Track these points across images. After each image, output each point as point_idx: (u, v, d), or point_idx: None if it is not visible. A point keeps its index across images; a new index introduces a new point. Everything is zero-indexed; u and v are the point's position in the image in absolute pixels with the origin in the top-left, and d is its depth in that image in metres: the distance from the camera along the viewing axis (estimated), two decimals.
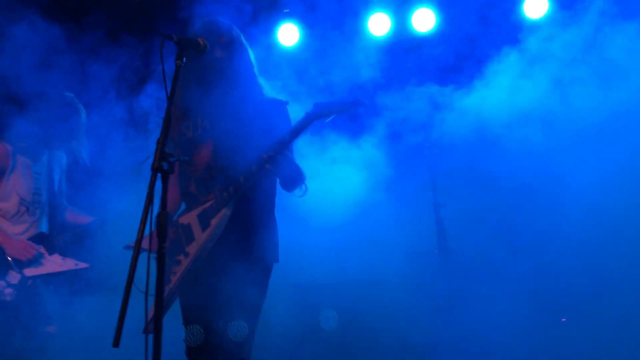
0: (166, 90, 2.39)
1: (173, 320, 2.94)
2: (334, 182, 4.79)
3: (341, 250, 4.98)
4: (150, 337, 2.13)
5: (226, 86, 3.07)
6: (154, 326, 2.13)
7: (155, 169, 2.18)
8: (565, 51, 4.81)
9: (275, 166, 2.90)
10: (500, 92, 4.88)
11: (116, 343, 1.99)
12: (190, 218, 3.02)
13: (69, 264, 4.13)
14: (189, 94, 3.08)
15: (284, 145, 2.92)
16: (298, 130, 2.92)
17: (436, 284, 4.91)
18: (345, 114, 2.96)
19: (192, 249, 2.96)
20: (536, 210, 4.93)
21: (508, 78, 4.89)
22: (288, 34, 5.71)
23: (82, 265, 4.17)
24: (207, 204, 2.98)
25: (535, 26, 5.21)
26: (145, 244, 2.92)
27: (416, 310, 4.90)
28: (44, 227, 4.17)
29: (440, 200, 5.24)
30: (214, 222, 2.94)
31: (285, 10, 5.69)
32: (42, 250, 4.06)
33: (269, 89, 3.22)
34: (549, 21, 5.24)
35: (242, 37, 3.18)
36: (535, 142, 4.80)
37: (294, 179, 3.08)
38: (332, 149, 4.92)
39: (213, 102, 3.07)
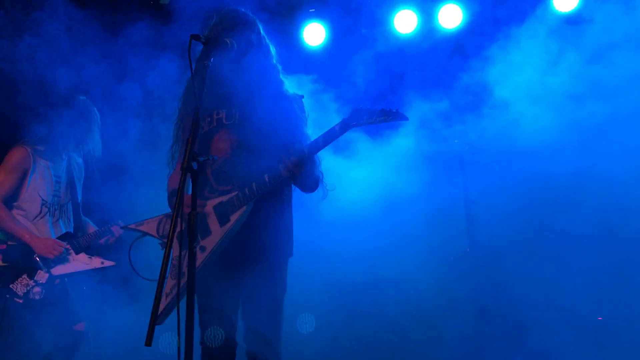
0: (194, 90, 2.41)
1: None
2: (363, 180, 4.77)
3: (371, 249, 4.95)
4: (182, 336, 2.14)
5: (251, 79, 3.03)
6: (185, 324, 2.15)
7: (185, 169, 2.20)
8: (596, 48, 4.72)
9: (302, 172, 2.84)
10: (532, 86, 4.81)
11: (149, 342, 2.00)
12: (206, 209, 2.95)
13: (96, 262, 4.19)
14: (214, 84, 3.01)
15: (317, 149, 2.86)
16: (333, 137, 2.85)
17: (468, 282, 4.86)
18: (382, 124, 2.87)
19: (209, 243, 2.91)
20: (570, 207, 4.84)
21: (539, 73, 4.81)
22: (314, 34, 5.71)
23: (109, 263, 4.22)
24: (226, 197, 2.91)
25: (565, 20, 5.13)
26: (147, 228, 3.07)
27: (448, 310, 4.86)
28: (70, 227, 4.24)
29: (471, 197, 5.19)
30: (233, 218, 2.90)
31: (310, 10, 5.69)
32: (69, 249, 4.12)
33: (288, 84, 3.18)
34: (580, 15, 5.14)
35: (263, 30, 3.15)
36: (569, 139, 4.71)
37: (311, 185, 3.04)
38: (361, 146, 4.90)
39: (237, 93, 3.02)
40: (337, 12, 5.49)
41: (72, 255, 4.12)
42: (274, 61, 3.16)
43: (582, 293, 4.68)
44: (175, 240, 2.87)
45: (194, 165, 2.17)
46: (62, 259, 4.07)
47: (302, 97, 3.16)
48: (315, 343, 4.70)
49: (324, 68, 5.27)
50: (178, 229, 2.77)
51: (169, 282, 2.89)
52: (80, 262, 4.14)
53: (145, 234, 3.13)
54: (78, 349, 4.11)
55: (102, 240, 4.27)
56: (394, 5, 5.57)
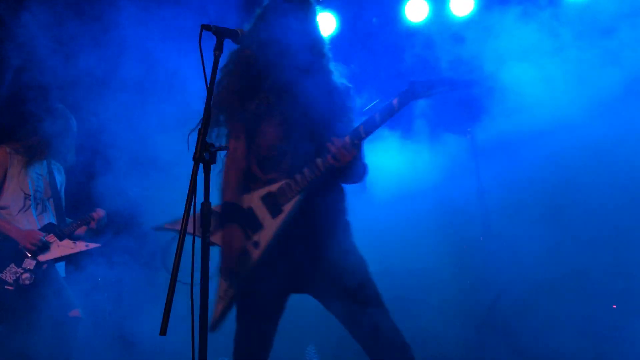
0: (206, 80, 2.40)
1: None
2: (376, 170, 4.75)
3: (383, 238, 4.94)
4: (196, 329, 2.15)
5: (301, 62, 2.85)
6: (200, 320, 2.15)
7: (197, 160, 2.20)
8: (612, 37, 4.66)
9: (357, 155, 2.68)
10: (545, 76, 4.76)
11: (163, 331, 2.01)
12: (252, 201, 2.78)
13: (80, 246, 4.32)
14: (262, 65, 2.90)
15: (373, 128, 2.69)
16: (390, 113, 2.67)
17: (481, 270, 4.84)
18: (447, 93, 2.71)
19: (262, 237, 2.73)
20: (582, 196, 4.81)
21: (553, 63, 4.77)
22: (324, 24, 5.69)
23: (94, 245, 4.36)
24: (274, 186, 2.75)
25: (579, 7, 5.08)
26: (189, 227, 2.90)
27: (461, 298, 4.85)
28: (52, 219, 4.37)
29: (484, 186, 5.17)
30: (286, 208, 2.71)
31: None
32: (52, 237, 4.23)
33: (338, 72, 3.02)
34: (593, 2, 5.09)
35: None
36: (582, 127, 4.67)
37: (358, 174, 2.86)
38: (375, 135, 4.88)
39: (286, 77, 2.86)
40: (348, 2, 5.48)
41: (56, 242, 4.25)
42: (325, 50, 3.00)
43: (597, 282, 4.66)
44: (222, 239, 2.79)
45: (206, 155, 2.17)
46: (43, 248, 4.18)
47: (351, 87, 2.99)
48: (328, 332, 4.70)
49: (335, 57, 5.25)
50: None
51: (222, 285, 2.74)
52: (65, 247, 4.27)
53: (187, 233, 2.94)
54: (75, 335, 4.20)
55: (92, 225, 4.39)
56: None
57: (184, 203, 2.12)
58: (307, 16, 2.94)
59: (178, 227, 2.79)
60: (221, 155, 2.91)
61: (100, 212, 4.43)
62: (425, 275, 4.95)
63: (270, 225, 2.73)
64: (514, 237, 5.02)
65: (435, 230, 4.97)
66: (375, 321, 2.66)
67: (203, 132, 2.25)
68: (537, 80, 4.74)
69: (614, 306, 4.66)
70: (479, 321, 4.81)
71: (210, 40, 2.48)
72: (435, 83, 2.68)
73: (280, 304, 2.81)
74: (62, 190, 4.56)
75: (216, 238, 2.79)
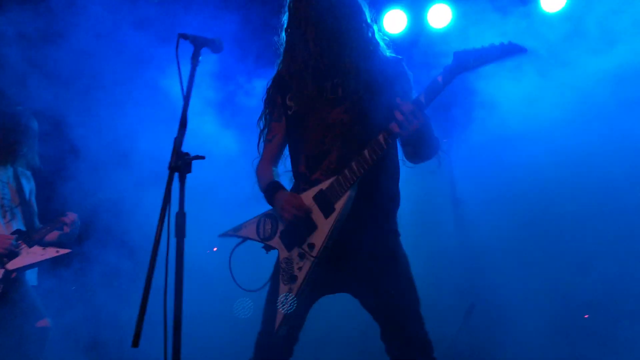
0: (182, 89, 2.38)
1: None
2: None
3: None
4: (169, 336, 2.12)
5: (344, 47, 2.72)
6: (173, 328, 2.11)
7: (172, 168, 2.18)
8: (583, 48, 4.75)
9: (410, 133, 2.48)
10: (518, 87, 4.82)
11: (135, 343, 1.97)
12: (305, 201, 2.68)
13: (50, 252, 4.20)
14: (298, 54, 2.78)
15: (420, 107, 2.51)
16: (437, 89, 2.51)
17: (456, 281, 4.87)
18: (497, 62, 2.47)
19: (317, 239, 2.62)
20: (558, 206, 4.88)
21: (527, 73, 4.83)
22: None
23: (64, 251, 4.24)
24: (325, 184, 2.64)
25: (553, 20, 5.16)
26: (246, 232, 2.84)
27: (436, 308, 4.85)
28: (20, 226, 4.27)
29: (459, 196, 5.20)
30: (338, 205, 2.60)
31: None
32: (22, 244, 4.13)
33: (384, 45, 2.85)
34: (567, 15, 5.18)
35: None
36: (556, 137, 4.74)
37: (432, 145, 2.66)
38: None
39: (335, 63, 2.74)
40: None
41: (26, 249, 4.14)
42: (370, 20, 2.83)
43: (572, 288, 4.71)
44: (279, 242, 2.76)
45: (181, 164, 2.15)
46: (13, 254, 4.08)
47: (401, 59, 2.82)
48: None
49: None
50: (281, 228, 2.70)
51: (282, 289, 2.68)
52: (34, 254, 4.17)
53: (245, 238, 2.88)
54: (43, 346, 4.10)
55: (66, 229, 4.28)
56: (383, 5, 5.57)
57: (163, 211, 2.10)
58: None
59: (241, 232, 2.88)
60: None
61: (71, 216, 4.30)
62: None
63: (324, 226, 2.63)
64: (489, 247, 5.07)
65: (409, 240, 4.97)
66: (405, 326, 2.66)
67: (179, 140, 2.22)
68: (512, 89, 4.80)
69: (586, 316, 4.72)
70: (454, 331, 4.82)
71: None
72: (484, 52, 2.47)
73: (313, 302, 2.80)
74: (32, 197, 4.45)
75: (274, 242, 2.79)
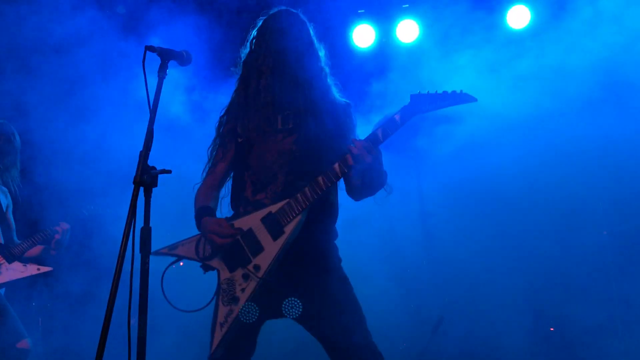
0: (149, 102, 2.34)
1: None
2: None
3: None
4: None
5: (298, 83, 2.81)
6: (137, 347, 2.07)
7: (137, 183, 2.13)
8: (549, 60, 4.86)
9: (363, 166, 2.60)
10: (486, 101, 4.88)
11: None
12: (252, 223, 2.69)
13: (31, 269, 4.07)
14: (259, 87, 2.84)
15: (376, 143, 2.63)
16: (393, 129, 2.64)
17: (424, 294, 4.89)
18: (447, 107, 2.68)
19: (263, 260, 2.64)
20: (527, 217, 4.95)
21: (494, 88, 4.91)
22: None
23: (45, 269, 4.11)
24: (274, 207, 2.66)
25: (518, 36, 5.27)
26: (182, 250, 2.79)
27: (405, 321, 4.86)
28: None
29: (427, 209, 5.23)
30: (288, 228, 2.64)
31: None
32: (1, 260, 4.01)
33: (335, 89, 2.96)
34: (532, 31, 5.29)
35: (313, 32, 2.96)
36: (523, 150, 4.82)
37: (380, 181, 2.75)
38: None
39: (281, 98, 2.82)
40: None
41: (5, 265, 4.00)
42: (322, 64, 2.95)
43: (539, 299, 4.77)
44: (220, 262, 2.72)
45: (147, 178, 2.11)
46: None
47: (350, 104, 2.94)
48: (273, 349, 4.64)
49: None
50: (224, 249, 2.65)
51: (222, 310, 2.65)
52: (14, 271, 4.03)
53: (181, 257, 2.81)
54: None
55: (57, 236, 4.14)
56: (352, 20, 5.61)
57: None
58: (300, 30, 2.90)
59: (177, 251, 2.81)
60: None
61: (64, 225, 4.12)
62: (368, 299, 4.95)
63: (271, 248, 2.65)
64: (457, 260, 5.10)
65: (378, 254, 4.99)
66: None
67: (144, 154, 2.19)
68: (477, 107, 4.86)
69: (552, 329, 4.78)
70: (423, 344, 4.83)
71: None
72: (437, 98, 2.67)
73: (259, 326, 2.77)
74: (9, 212, 4.26)
75: (215, 262, 2.74)
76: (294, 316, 2.71)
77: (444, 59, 5.21)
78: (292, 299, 2.70)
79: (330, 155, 2.72)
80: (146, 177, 2.11)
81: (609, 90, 4.61)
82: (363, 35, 5.61)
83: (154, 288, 2.19)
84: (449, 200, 5.10)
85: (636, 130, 4.61)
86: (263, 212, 2.69)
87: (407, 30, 5.57)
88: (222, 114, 3.00)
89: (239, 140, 2.86)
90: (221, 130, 2.95)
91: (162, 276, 2.75)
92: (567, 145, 4.75)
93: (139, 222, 2.12)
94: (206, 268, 2.78)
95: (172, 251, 2.83)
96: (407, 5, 5.61)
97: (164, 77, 2.43)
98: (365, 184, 2.76)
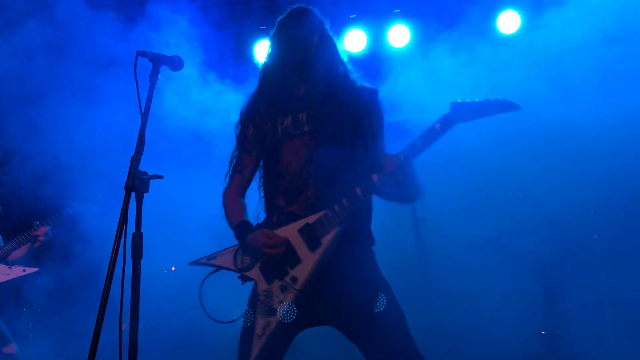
0: (140, 107, 2.34)
1: None
2: None
3: None
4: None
5: (319, 77, 2.73)
6: (129, 352, 2.06)
7: (128, 188, 2.13)
8: (537, 67, 4.89)
9: (403, 176, 2.54)
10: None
11: None
12: (289, 233, 2.63)
13: (17, 271, 4.02)
14: (274, 88, 2.79)
15: (415, 154, 2.58)
16: (433, 138, 2.58)
17: (418, 297, 4.89)
18: (490, 116, 2.61)
19: (301, 272, 2.59)
20: (516, 221, 4.97)
21: (486, 92, 4.93)
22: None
23: (31, 270, 4.06)
24: (311, 218, 2.60)
25: (508, 41, 5.30)
26: (221, 261, 2.74)
27: None
28: None
29: (419, 215, 5.23)
30: (326, 240, 2.58)
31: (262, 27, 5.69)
32: None
33: (359, 79, 2.84)
34: (522, 36, 5.33)
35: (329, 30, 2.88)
36: (515, 155, 4.84)
37: (415, 192, 2.69)
38: None
39: (305, 96, 2.75)
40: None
41: None
42: (340, 56, 2.83)
43: (532, 304, 4.78)
44: (258, 274, 2.68)
45: (138, 184, 2.10)
46: None
47: (376, 91, 2.82)
48: None
49: None
50: (261, 260, 2.61)
51: (260, 322, 2.60)
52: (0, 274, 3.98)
53: (219, 268, 2.76)
54: None
55: (38, 244, 4.11)
56: (344, 25, 5.63)
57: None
58: (312, 26, 2.82)
59: (215, 261, 2.76)
60: None
61: (43, 228, 4.09)
62: None
63: (309, 260, 2.59)
64: (449, 265, 5.12)
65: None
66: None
67: (135, 158, 2.18)
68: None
69: (543, 332, 4.80)
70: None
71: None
72: (479, 106, 2.61)
73: (295, 335, 2.73)
74: None
75: (252, 273, 2.70)
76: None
77: (435, 63, 5.24)
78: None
79: (357, 154, 2.66)
80: (137, 183, 2.11)
81: (602, 91, 4.64)
82: (354, 40, 5.63)
83: (145, 293, 2.18)
84: (441, 205, 5.11)
85: (629, 131, 4.65)
86: (300, 223, 2.63)
87: (399, 35, 5.59)
88: (240, 118, 2.91)
89: (262, 145, 2.80)
90: (242, 135, 2.88)
91: (201, 286, 2.72)
92: (559, 147, 4.78)
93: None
94: (244, 279, 2.73)
95: (211, 261, 2.78)
96: (399, 10, 5.65)
97: (156, 82, 2.42)
98: (399, 192, 2.68)
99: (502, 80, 4.83)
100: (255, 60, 5.70)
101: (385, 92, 2.89)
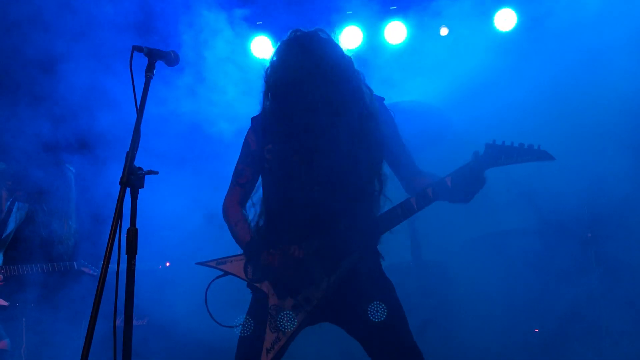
0: (135, 102, 2.33)
1: None
2: None
3: None
4: None
5: (331, 95, 2.67)
6: (123, 346, 2.06)
7: (123, 184, 2.12)
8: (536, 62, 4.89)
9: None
10: (475, 102, 4.92)
11: None
12: (303, 252, 2.61)
13: None
14: (280, 103, 2.73)
15: (445, 194, 2.58)
16: (463, 177, 2.54)
17: (411, 295, 4.90)
18: (524, 163, 2.58)
19: (314, 293, 2.60)
20: (510, 219, 4.97)
21: (481, 90, 4.94)
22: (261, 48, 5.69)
23: (2, 302, 4.14)
24: (328, 239, 2.60)
25: (505, 38, 5.31)
26: (231, 267, 2.72)
27: None
28: None
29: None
30: (343, 263, 2.60)
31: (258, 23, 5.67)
32: None
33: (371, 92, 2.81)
34: (519, 34, 5.34)
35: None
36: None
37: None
38: None
39: (316, 115, 2.67)
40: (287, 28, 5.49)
41: None
42: (351, 72, 2.76)
43: (524, 301, 4.79)
44: (270, 288, 2.66)
45: (134, 179, 2.10)
46: None
47: (383, 99, 2.82)
48: None
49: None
50: (274, 274, 2.60)
51: (269, 336, 2.60)
52: None
53: (228, 274, 2.74)
54: None
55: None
56: (339, 22, 5.61)
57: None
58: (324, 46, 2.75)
59: (225, 267, 2.74)
60: None
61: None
62: None
63: (323, 280, 2.60)
64: (443, 261, 5.13)
65: None
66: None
67: (131, 154, 2.18)
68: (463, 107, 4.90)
69: (536, 329, 4.81)
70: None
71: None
72: (514, 152, 2.56)
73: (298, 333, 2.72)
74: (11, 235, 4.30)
75: (264, 286, 2.69)
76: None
77: (431, 60, 5.24)
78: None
79: (373, 166, 2.67)
80: (133, 178, 2.10)
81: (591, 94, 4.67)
82: (351, 37, 5.62)
83: (139, 290, 2.18)
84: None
85: (622, 127, 4.66)
86: (314, 243, 2.62)
87: (395, 32, 5.58)
88: (250, 127, 2.86)
89: (270, 161, 2.74)
90: (248, 149, 2.83)
91: (207, 290, 2.72)
92: (553, 146, 4.77)
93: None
94: (254, 289, 2.72)
95: (220, 266, 2.76)
96: (395, 7, 5.63)
97: (151, 77, 2.42)
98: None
99: (499, 77, 4.85)
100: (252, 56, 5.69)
101: (382, 90, 2.89)
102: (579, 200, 4.70)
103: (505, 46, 5.19)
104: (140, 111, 2.31)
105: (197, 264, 2.82)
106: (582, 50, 4.71)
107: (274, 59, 2.80)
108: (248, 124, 2.89)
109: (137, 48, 2.38)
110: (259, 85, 2.85)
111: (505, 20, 5.37)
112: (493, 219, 5.02)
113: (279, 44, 2.84)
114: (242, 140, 2.89)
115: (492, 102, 4.88)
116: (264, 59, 5.64)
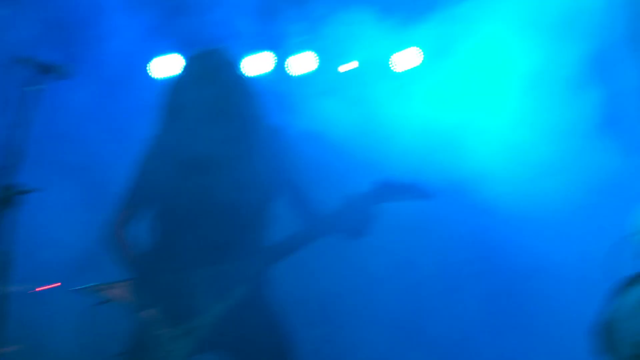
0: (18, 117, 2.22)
1: None
2: None
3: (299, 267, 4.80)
4: None
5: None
6: None
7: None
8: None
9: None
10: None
11: None
12: (194, 280, 2.67)
13: None
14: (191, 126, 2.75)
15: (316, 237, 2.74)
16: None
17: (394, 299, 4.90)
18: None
19: (204, 322, 2.64)
20: (502, 217, 4.99)
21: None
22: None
23: None
24: (221, 267, 2.65)
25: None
26: (115, 293, 2.69)
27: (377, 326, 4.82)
28: None
29: None
30: (235, 293, 2.65)
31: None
32: None
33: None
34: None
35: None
36: (500, 154, 4.85)
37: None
38: None
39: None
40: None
41: None
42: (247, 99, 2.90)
43: (511, 300, 4.85)
44: (154, 313, 2.67)
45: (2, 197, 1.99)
46: None
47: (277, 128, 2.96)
48: None
49: None
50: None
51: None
52: None
53: (113, 300, 2.72)
54: None
55: None
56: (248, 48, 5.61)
57: None
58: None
59: (108, 292, 2.70)
60: None
61: None
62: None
63: (212, 309, 2.64)
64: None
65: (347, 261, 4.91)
66: None
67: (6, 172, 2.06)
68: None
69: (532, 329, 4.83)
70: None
71: None
72: (397, 190, 2.78)
73: None
74: None
75: (150, 313, 2.67)
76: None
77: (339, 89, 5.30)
78: None
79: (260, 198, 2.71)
80: (2, 197, 1.99)
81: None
82: (258, 64, 5.61)
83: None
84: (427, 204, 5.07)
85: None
86: (206, 270, 2.64)
87: (303, 63, 5.62)
88: (144, 157, 2.83)
89: (159, 194, 2.75)
90: (141, 176, 2.81)
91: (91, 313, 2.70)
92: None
93: None
94: (141, 314, 2.69)
95: (104, 292, 2.72)
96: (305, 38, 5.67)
97: (37, 92, 2.31)
98: None
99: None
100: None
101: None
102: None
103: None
104: (21, 129, 2.18)
105: (73, 290, 2.72)
106: None
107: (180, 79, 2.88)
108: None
109: (18, 60, 2.27)
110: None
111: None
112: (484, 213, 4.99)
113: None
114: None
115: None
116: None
